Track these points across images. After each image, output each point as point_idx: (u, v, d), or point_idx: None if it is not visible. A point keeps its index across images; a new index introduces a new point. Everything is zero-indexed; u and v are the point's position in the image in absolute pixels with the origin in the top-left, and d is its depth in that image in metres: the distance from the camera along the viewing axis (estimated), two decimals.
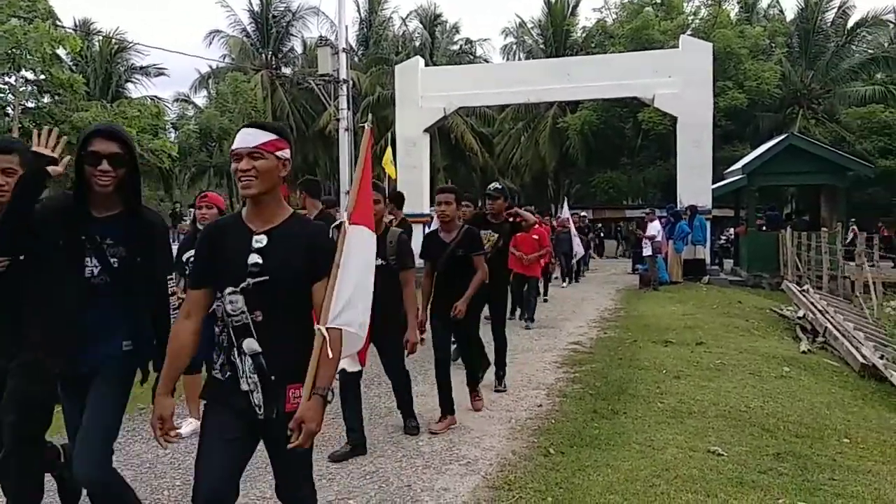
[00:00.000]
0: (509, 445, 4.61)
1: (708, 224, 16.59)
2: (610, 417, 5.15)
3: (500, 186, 6.30)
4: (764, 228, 20.11)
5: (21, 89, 9.22)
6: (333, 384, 2.35)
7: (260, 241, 2.36)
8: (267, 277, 2.32)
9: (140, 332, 2.77)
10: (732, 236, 22.26)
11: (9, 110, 9.43)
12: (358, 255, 2.43)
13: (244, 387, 2.35)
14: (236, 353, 2.36)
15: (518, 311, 10.25)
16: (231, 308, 2.34)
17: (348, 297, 2.32)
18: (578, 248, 16.06)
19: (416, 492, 3.86)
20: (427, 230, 7.78)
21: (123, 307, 2.72)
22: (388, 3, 38.54)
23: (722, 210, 22.54)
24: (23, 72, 8.81)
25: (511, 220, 6.18)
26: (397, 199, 7.26)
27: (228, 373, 2.38)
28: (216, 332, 2.42)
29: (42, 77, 9.06)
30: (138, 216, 2.77)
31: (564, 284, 15.45)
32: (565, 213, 16.86)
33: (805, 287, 12.76)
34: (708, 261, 16.75)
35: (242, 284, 2.32)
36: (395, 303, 4.42)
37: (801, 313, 10.81)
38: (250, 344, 2.33)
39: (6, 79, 8.91)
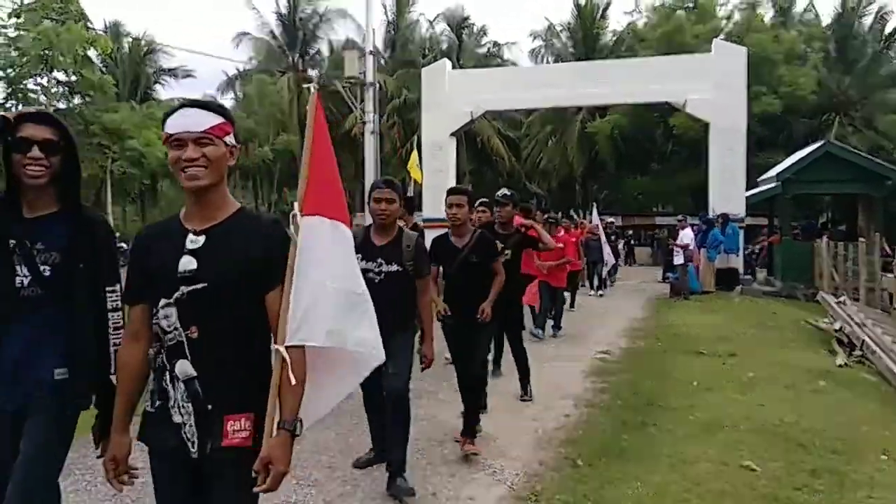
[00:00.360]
0: (536, 455, 4.52)
1: (741, 232, 16.29)
2: (639, 429, 5.03)
3: (508, 192, 5.91)
4: (798, 238, 19.71)
5: (53, 90, 9.36)
6: (347, 399, 2.19)
7: (195, 241, 1.99)
8: (204, 285, 1.94)
9: (78, 356, 2.30)
10: (766, 245, 21.84)
11: None
12: (317, 254, 2.01)
13: (176, 418, 1.96)
14: (168, 377, 1.98)
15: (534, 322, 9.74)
16: (166, 324, 1.96)
17: (305, 308, 1.93)
18: (609, 256, 15.71)
19: (441, 500, 3.81)
20: None
21: (57, 325, 2.29)
22: (416, 5, 38.54)
23: (755, 218, 22.14)
24: (55, 73, 8.94)
25: (523, 230, 5.83)
26: (408, 203, 6.72)
27: (158, 402, 2.00)
28: (150, 355, 2.04)
29: (73, 78, 9.18)
30: (77, 216, 2.37)
31: (597, 293, 15.17)
32: (595, 219, 16.57)
33: (842, 298, 12.43)
34: (741, 270, 16.44)
35: (176, 294, 1.95)
36: (407, 313, 4.02)
37: (837, 325, 10.52)
38: (183, 366, 1.95)
39: (38, 80, 9.06)
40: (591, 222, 16.81)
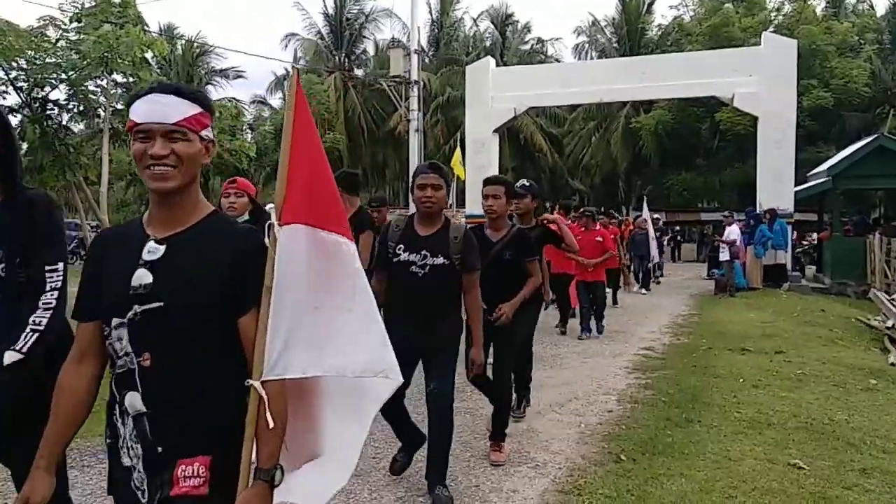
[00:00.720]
0: (579, 450, 4.55)
1: (789, 228, 15.94)
2: (684, 426, 5.02)
3: (527, 183, 5.43)
4: (850, 234, 19.18)
5: (112, 92, 9.72)
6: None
7: (154, 251, 1.67)
8: (160, 304, 1.63)
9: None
10: (815, 241, 21.31)
11: (100, 112, 9.96)
12: (298, 269, 1.68)
13: (125, 461, 1.68)
14: (118, 411, 1.69)
15: (569, 321, 9.51)
16: (118, 347, 1.66)
17: (286, 335, 1.63)
18: (655, 251, 15.45)
19: (484, 492, 3.86)
20: None
21: (6, 320, 2.15)
22: (460, 3, 38.76)
23: (804, 214, 21.62)
24: (114, 75, 9.29)
25: (545, 225, 5.39)
26: (347, 183, 5.45)
27: (109, 440, 1.73)
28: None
29: (131, 80, 9.52)
30: (17, 202, 2.18)
31: (643, 291, 14.78)
32: (645, 213, 16.33)
33: (895, 296, 12.10)
34: (789, 266, 16.09)
35: (129, 314, 1.64)
36: (453, 310, 3.71)
37: (890, 323, 10.25)
38: (132, 399, 1.65)
39: (98, 82, 9.42)
40: (639, 217, 16.63)
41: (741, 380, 6.49)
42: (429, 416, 3.67)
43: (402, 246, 3.58)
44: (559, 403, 5.73)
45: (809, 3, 29.90)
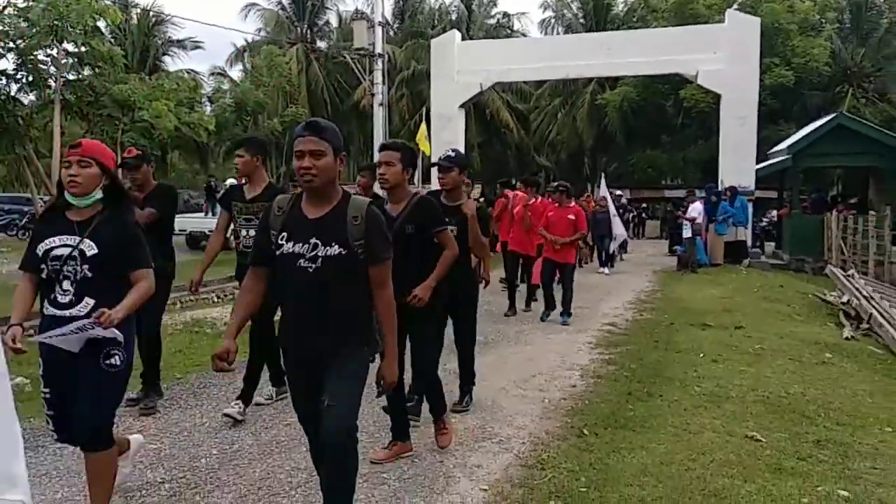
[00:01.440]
0: (542, 425, 4.57)
1: (750, 205, 16.21)
2: (645, 400, 5.08)
3: (452, 154, 4.69)
4: (808, 211, 19.60)
5: (63, 62, 9.35)
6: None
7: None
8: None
9: None
10: (775, 218, 21.73)
11: (51, 82, 9.58)
12: None
13: None
14: None
15: (533, 304, 9.38)
16: None
17: None
18: (619, 229, 14.97)
19: (448, 468, 3.86)
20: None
21: None
22: None
23: (765, 191, 22.02)
24: (65, 44, 8.93)
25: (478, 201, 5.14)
26: (259, 148, 4.91)
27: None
28: None
29: (83, 49, 9.15)
30: None
31: (606, 271, 14.20)
32: (603, 190, 15.81)
33: (850, 272, 12.40)
34: (749, 243, 16.38)
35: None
36: (357, 316, 2.81)
37: (845, 299, 10.51)
38: None
39: (48, 51, 9.05)
40: (598, 195, 16.19)
41: (701, 354, 6.59)
42: (323, 445, 2.78)
43: (285, 234, 2.74)
44: (523, 379, 5.74)
45: None
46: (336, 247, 2.69)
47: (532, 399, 5.20)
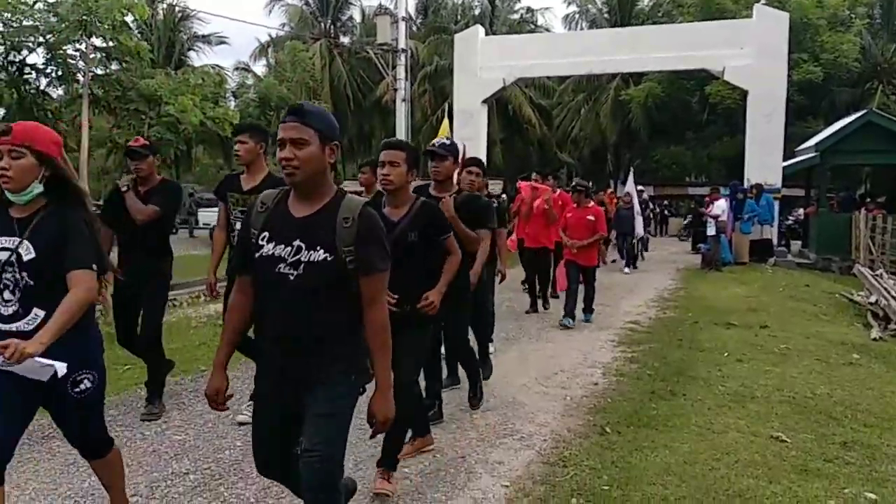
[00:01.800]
0: (564, 423, 4.56)
1: (776, 203, 15.99)
2: (668, 399, 5.04)
3: (447, 142, 4.41)
4: (835, 210, 19.30)
5: (91, 56, 9.48)
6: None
7: None
8: None
9: None
10: (801, 217, 21.41)
11: (79, 77, 9.72)
12: None
13: None
14: None
15: (539, 305, 8.98)
16: None
17: None
18: (640, 228, 14.55)
19: (470, 463, 3.86)
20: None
21: None
22: None
23: (791, 189, 21.71)
24: (93, 39, 9.04)
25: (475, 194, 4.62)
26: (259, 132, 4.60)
27: None
28: None
29: (111, 44, 9.26)
30: None
31: (627, 270, 13.85)
32: (629, 186, 15.21)
33: (878, 272, 12.20)
34: (775, 242, 16.17)
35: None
36: (345, 340, 2.41)
37: (873, 299, 10.33)
38: None
39: (77, 46, 9.16)
40: (625, 192, 15.43)
41: (726, 354, 6.53)
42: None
43: (266, 234, 2.38)
44: (545, 376, 5.73)
45: None
46: (321, 252, 2.30)
47: (554, 396, 5.19)
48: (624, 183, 17.79)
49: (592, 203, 8.78)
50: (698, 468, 3.75)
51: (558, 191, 9.40)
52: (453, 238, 3.69)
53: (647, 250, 17.38)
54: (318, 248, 2.30)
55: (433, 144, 4.35)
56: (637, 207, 14.35)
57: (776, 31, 16.08)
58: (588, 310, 8.31)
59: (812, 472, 3.74)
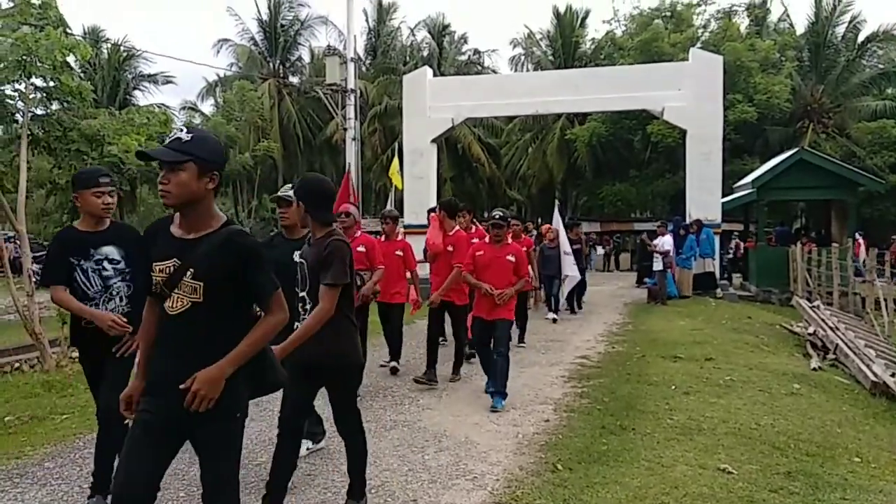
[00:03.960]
0: (516, 461, 4.55)
1: (717, 238, 16.49)
2: (618, 433, 5.08)
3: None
4: (773, 243, 20.03)
5: (31, 96, 9.25)
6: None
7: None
8: None
9: None
10: (742, 251, 22.13)
11: (18, 117, 9.46)
12: None
13: None
14: None
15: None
16: None
17: None
18: (571, 270, 11.93)
19: None
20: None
21: None
22: (397, 13, 38.83)
23: (731, 224, 22.47)
24: (33, 79, 8.84)
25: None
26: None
27: None
28: None
29: (52, 84, 9.06)
30: None
31: (555, 316, 11.69)
32: (556, 222, 12.50)
33: (815, 303, 12.65)
34: (718, 275, 16.63)
35: None
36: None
37: (811, 330, 10.70)
38: None
39: (16, 86, 8.94)
40: (552, 226, 12.55)
41: (673, 387, 6.63)
42: None
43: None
44: (497, 414, 5.72)
45: (734, 20, 31.21)
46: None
47: (506, 434, 5.17)
48: (573, 220, 17.44)
49: (511, 239, 7.10)
50: (648, 503, 3.78)
51: (474, 227, 8.23)
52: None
53: (583, 295, 13.68)
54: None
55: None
56: (565, 246, 11.90)
57: (711, 74, 16.77)
58: (499, 392, 5.95)
59: (758, 503, 3.81)
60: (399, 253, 7.22)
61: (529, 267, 6.84)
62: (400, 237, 7.33)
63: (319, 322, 3.28)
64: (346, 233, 5.30)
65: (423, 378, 6.64)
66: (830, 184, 17.31)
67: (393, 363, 7.32)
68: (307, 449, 4.55)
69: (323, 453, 4.68)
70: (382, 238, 7.21)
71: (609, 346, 9.33)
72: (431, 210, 8.35)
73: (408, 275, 7.39)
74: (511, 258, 6.11)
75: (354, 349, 3.54)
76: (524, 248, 7.99)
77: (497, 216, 6.27)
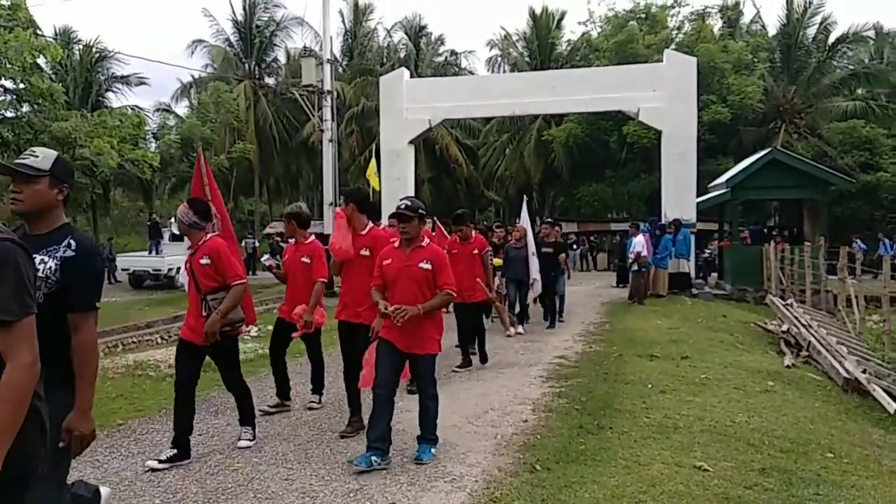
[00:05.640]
0: (495, 461, 4.55)
1: (692, 237, 16.67)
2: (596, 433, 5.11)
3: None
4: (747, 242, 20.28)
5: (0, 99, 9.10)
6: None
7: None
8: None
9: None
10: (716, 250, 22.39)
11: None
12: None
13: None
14: None
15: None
16: None
17: None
18: (536, 274, 10.37)
19: None
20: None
21: None
22: (373, 14, 38.78)
23: (706, 223, 22.73)
24: (2, 81, 8.69)
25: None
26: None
27: None
28: None
29: (22, 86, 8.91)
30: None
31: (520, 330, 10.33)
32: (523, 220, 11.23)
33: (789, 301, 12.84)
34: (693, 275, 16.80)
35: None
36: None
37: (784, 327, 10.86)
38: None
39: None
40: (518, 224, 11.24)
41: (650, 385, 6.69)
42: None
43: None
44: (476, 415, 5.72)
45: (707, 22, 31.59)
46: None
47: (484, 435, 5.18)
48: (541, 220, 16.97)
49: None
50: (626, 502, 3.80)
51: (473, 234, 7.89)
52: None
53: (563, 307, 11.97)
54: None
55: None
56: (531, 248, 10.42)
57: (685, 75, 16.96)
58: (427, 446, 4.68)
59: (733, 500, 3.84)
60: (305, 260, 5.83)
61: (485, 273, 6.52)
62: (311, 239, 5.99)
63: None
64: (193, 238, 4.68)
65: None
66: (802, 183, 17.60)
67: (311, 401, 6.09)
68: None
69: (299, 459, 4.65)
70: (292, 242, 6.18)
71: (587, 345, 9.37)
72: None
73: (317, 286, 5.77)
74: (425, 265, 4.57)
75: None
76: (475, 251, 7.41)
77: (403, 205, 4.64)
